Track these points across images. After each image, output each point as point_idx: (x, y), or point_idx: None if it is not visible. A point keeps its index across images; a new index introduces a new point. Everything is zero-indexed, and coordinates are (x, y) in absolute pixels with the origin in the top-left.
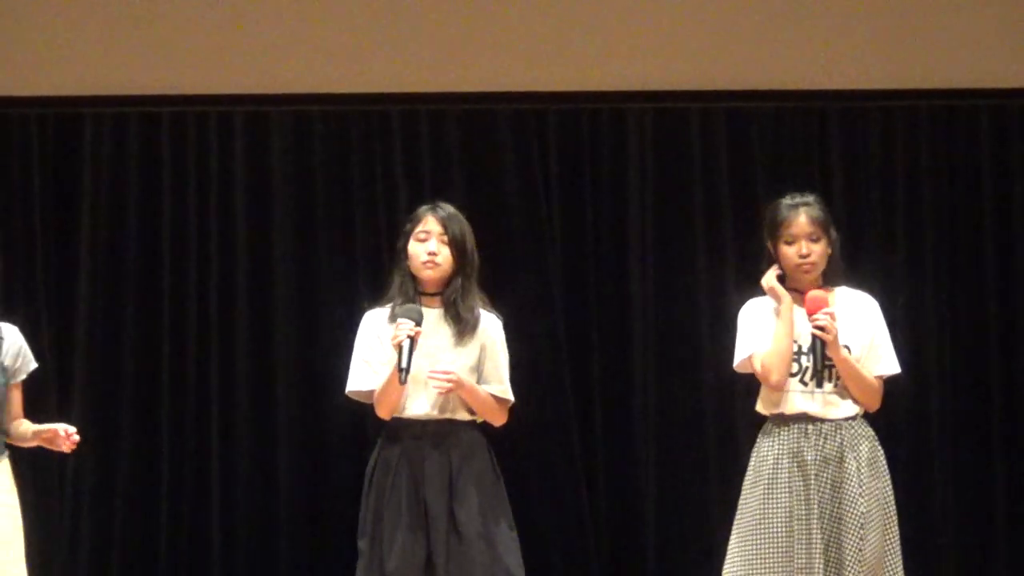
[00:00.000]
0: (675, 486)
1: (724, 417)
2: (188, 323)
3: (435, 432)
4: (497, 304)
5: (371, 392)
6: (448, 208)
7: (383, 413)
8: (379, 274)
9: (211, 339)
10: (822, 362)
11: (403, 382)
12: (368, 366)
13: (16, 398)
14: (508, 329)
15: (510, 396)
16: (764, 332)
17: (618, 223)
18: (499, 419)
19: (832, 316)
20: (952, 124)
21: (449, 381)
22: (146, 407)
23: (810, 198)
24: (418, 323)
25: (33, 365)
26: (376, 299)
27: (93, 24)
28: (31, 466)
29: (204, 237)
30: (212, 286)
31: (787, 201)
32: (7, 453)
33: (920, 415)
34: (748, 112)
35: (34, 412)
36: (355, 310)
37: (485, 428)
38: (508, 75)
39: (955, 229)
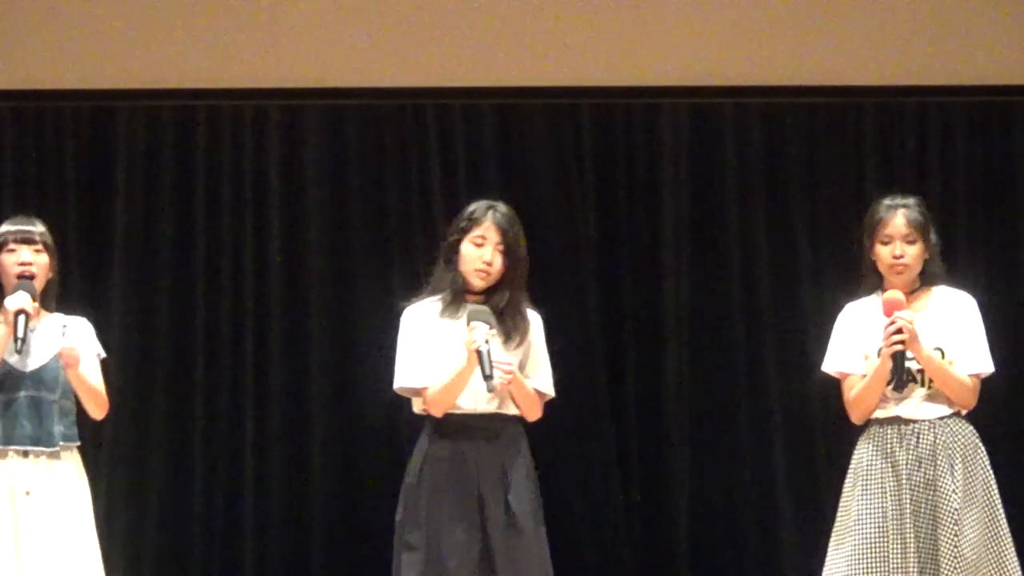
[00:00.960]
0: (708, 479)
1: (757, 410)
2: (222, 315)
3: (486, 427)
4: (533, 292)
5: (422, 389)
6: (505, 211)
7: (438, 411)
8: (412, 267)
9: (245, 330)
10: (902, 369)
11: (490, 389)
12: (418, 362)
13: (79, 380)
14: (545, 326)
15: (552, 391)
16: (857, 346)
17: (652, 217)
18: (537, 413)
19: (908, 320)
20: (987, 120)
21: (508, 373)
22: (180, 400)
23: (911, 200)
24: (492, 325)
25: (99, 351)
26: (412, 293)
27: (128, 18)
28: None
29: (238, 230)
30: (246, 279)
31: (887, 201)
32: (78, 446)
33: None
34: (781, 107)
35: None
36: (389, 303)
37: (523, 422)
38: (542, 70)
39: (989, 223)
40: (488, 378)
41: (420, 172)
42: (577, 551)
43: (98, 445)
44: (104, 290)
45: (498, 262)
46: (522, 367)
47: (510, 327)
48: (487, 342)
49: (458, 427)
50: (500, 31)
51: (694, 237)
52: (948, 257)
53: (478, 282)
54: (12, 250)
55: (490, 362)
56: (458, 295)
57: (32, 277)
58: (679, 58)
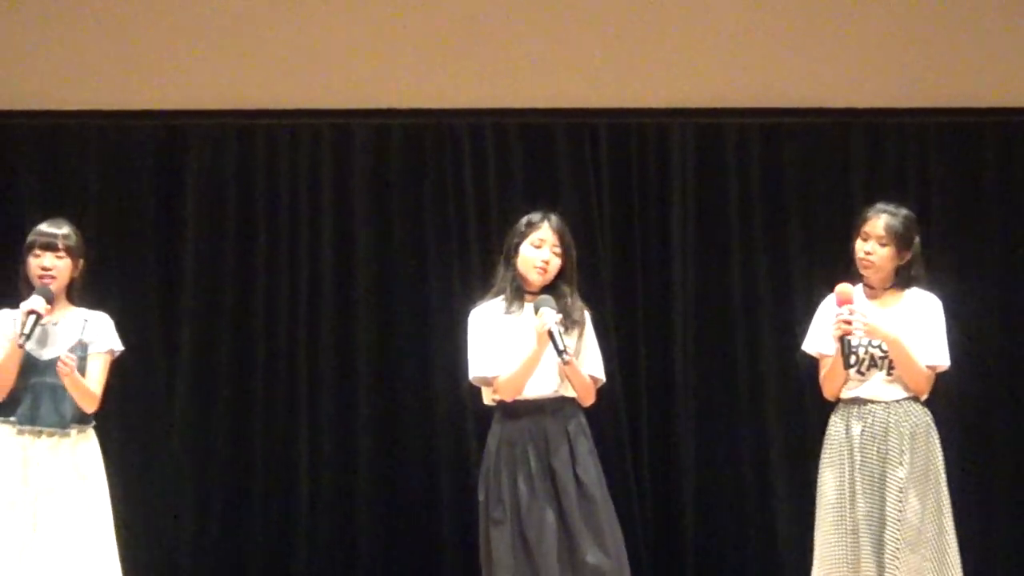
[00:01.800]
0: (710, 457)
1: (754, 395)
2: (280, 320)
3: (552, 408)
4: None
5: (493, 378)
6: (559, 219)
7: (509, 396)
8: (447, 272)
9: (299, 334)
10: (848, 352)
11: (565, 363)
12: (489, 355)
13: (94, 369)
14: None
15: (603, 376)
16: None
17: (661, 225)
18: (592, 397)
19: (850, 317)
20: (960, 138)
21: (571, 356)
22: (242, 397)
23: (899, 211)
24: (557, 310)
25: (112, 347)
26: (448, 296)
27: (194, 42)
28: (142, 447)
29: (294, 240)
30: (301, 285)
31: (879, 205)
32: (93, 429)
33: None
34: (778, 126)
35: (143, 400)
36: (427, 305)
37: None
38: (565, 92)
39: (961, 231)
40: (562, 352)
41: (455, 185)
42: None
43: (169, 426)
44: (178, 280)
45: (555, 261)
46: (577, 355)
47: (571, 320)
48: (559, 325)
49: (526, 411)
50: (527, 57)
51: (699, 242)
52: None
53: (536, 278)
54: (37, 255)
55: (562, 339)
56: (519, 293)
57: (53, 280)
58: (687, 82)
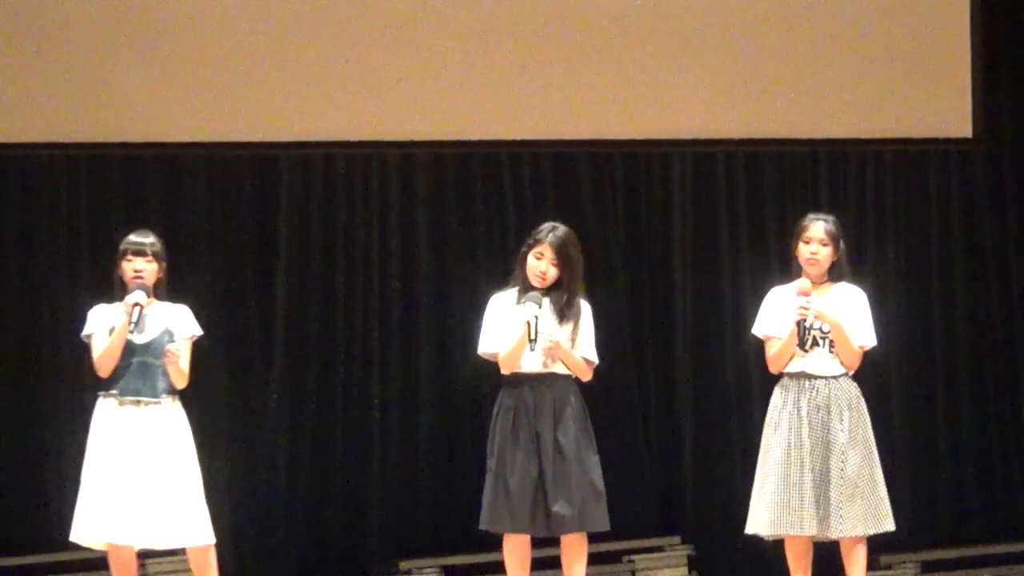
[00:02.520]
0: (707, 423)
1: (742, 374)
2: (356, 321)
3: (543, 382)
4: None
5: (496, 353)
6: (562, 233)
7: (506, 370)
8: (494, 276)
9: (372, 332)
10: (804, 334)
11: (531, 350)
12: (494, 335)
13: (182, 352)
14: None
15: (595, 358)
16: (778, 316)
17: (665, 236)
18: (587, 375)
19: (808, 304)
20: (909, 164)
21: (551, 342)
22: (327, 383)
23: (829, 216)
24: (539, 305)
25: (194, 332)
26: (499, 287)
27: (287, 80)
28: (244, 418)
29: (368, 252)
30: (374, 290)
31: (811, 215)
32: (179, 400)
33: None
34: (759, 154)
35: (245, 390)
36: (478, 299)
37: (577, 381)
38: (586, 126)
39: (908, 242)
40: (532, 340)
41: (499, 204)
42: (611, 469)
43: (265, 405)
44: (271, 297)
45: (551, 272)
46: (574, 341)
47: (565, 313)
48: (536, 317)
49: (522, 382)
50: (557, 97)
51: (696, 251)
52: (879, 267)
53: (537, 283)
54: (130, 260)
55: (535, 331)
56: (526, 289)
57: (143, 280)
58: (684, 119)
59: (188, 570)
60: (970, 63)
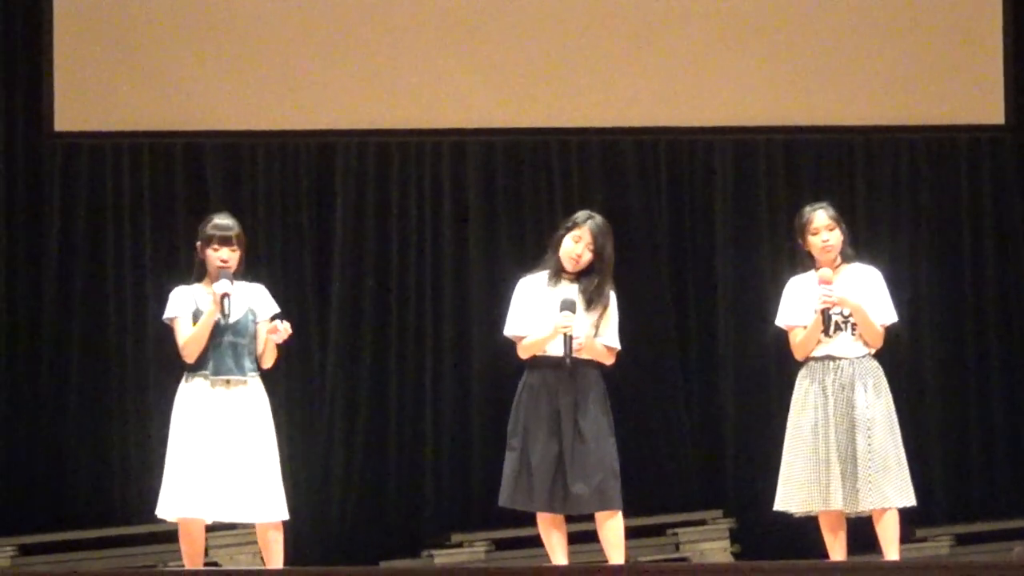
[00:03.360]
0: (748, 400)
1: (782, 354)
2: (409, 302)
3: (573, 363)
4: (622, 281)
5: (521, 337)
6: (600, 221)
7: (525, 355)
8: (543, 257)
9: (425, 311)
10: (829, 321)
11: (564, 366)
12: (522, 318)
13: (264, 330)
14: (634, 299)
15: (617, 345)
16: (799, 305)
17: (708, 220)
18: (608, 361)
19: (831, 292)
20: (939, 151)
21: (579, 346)
22: (382, 363)
23: (824, 203)
24: (574, 312)
25: (274, 311)
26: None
27: (344, 69)
28: (302, 399)
29: (421, 235)
30: (426, 271)
31: (808, 208)
32: (259, 376)
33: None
34: (796, 142)
35: (302, 371)
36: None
37: (600, 366)
38: (633, 115)
39: (944, 227)
40: (567, 355)
41: (547, 190)
42: (655, 445)
43: (323, 380)
44: (327, 278)
45: (586, 256)
46: (597, 327)
47: (594, 300)
48: (570, 336)
49: (546, 365)
50: (604, 87)
51: (737, 236)
52: (912, 250)
53: (570, 267)
54: (216, 248)
55: (571, 347)
56: (558, 272)
57: (230, 268)
58: (725, 107)
59: (246, 543)
60: (1002, 51)
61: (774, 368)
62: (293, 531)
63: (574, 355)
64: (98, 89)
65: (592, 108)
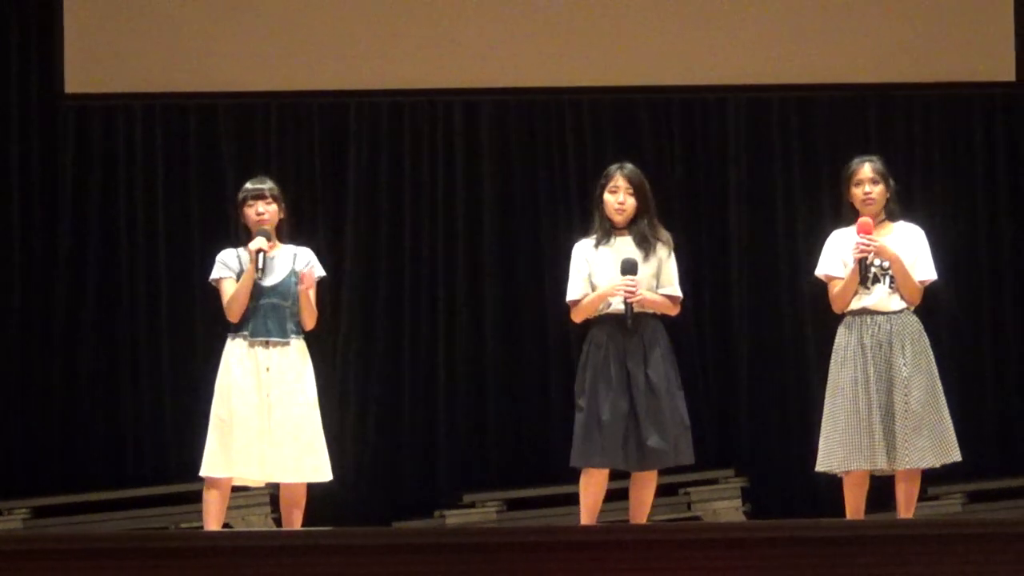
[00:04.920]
0: (761, 360)
1: (796, 313)
2: (423, 262)
3: (632, 323)
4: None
5: (576, 301)
6: (631, 167)
7: (579, 318)
8: (555, 220)
9: (437, 270)
10: (866, 270)
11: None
12: (578, 282)
13: (307, 298)
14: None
15: (679, 293)
16: (839, 257)
17: (722, 178)
18: (673, 311)
19: (869, 241)
20: (953, 108)
21: (636, 301)
22: (395, 324)
23: (874, 157)
24: (634, 276)
25: (319, 274)
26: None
27: (357, 29)
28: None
29: (433, 194)
30: (439, 231)
31: (857, 159)
32: (303, 337)
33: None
34: (811, 99)
35: (316, 332)
36: (539, 239)
37: (664, 318)
38: (646, 73)
39: (958, 183)
40: (628, 317)
41: (559, 148)
42: None
43: (335, 344)
44: (341, 231)
45: (630, 202)
46: (658, 276)
47: (649, 243)
48: (629, 305)
49: (611, 321)
50: (617, 44)
51: (751, 195)
52: (926, 207)
53: (618, 218)
54: (251, 205)
55: (631, 309)
56: (607, 231)
57: (267, 222)
58: (738, 65)
59: (256, 504)
60: (1013, 6)
61: (788, 327)
62: (307, 492)
63: (636, 312)
64: (110, 51)
65: (605, 67)
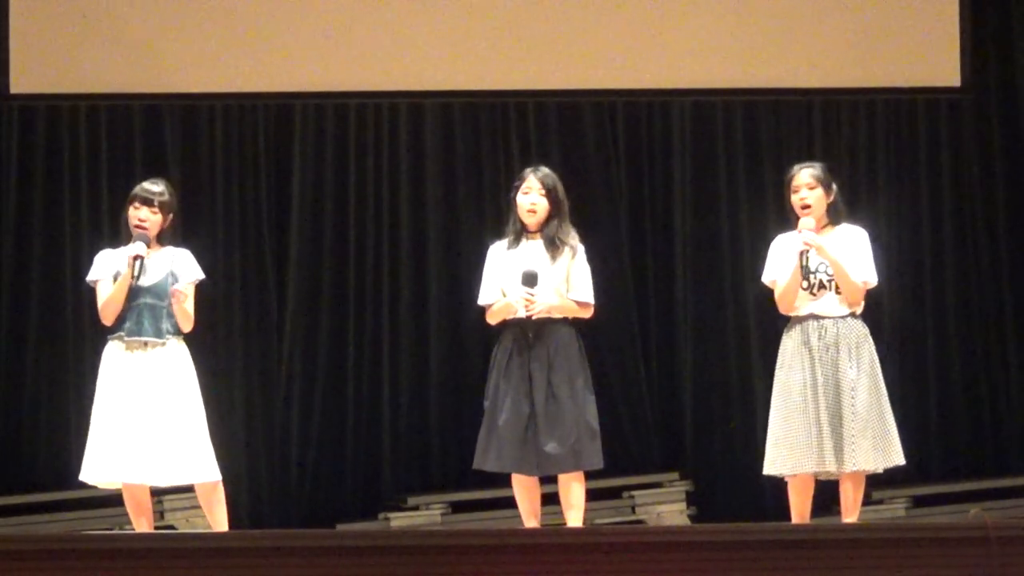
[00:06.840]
0: (706, 363)
1: (740, 316)
2: (367, 264)
3: (537, 328)
4: (582, 238)
5: (488, 305)
6: (545, 170)
7: (493, 321)
8: (500, 220)
9: (382, 272)
10: (806, 269)
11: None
12: (489, 286)
13: (181, 308)
14: (592, 261)
15: (590, 298)
16: (783, 262)
17: (666, 182)
18: (585, 314)
19: (812, 238)
20: (898, 112)
21: (541, 308)
22: (340, 326)
23: (814, 163)
24: (535, 284)
25: (197, 276)
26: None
27: (302, 32)
28: (260, 359)
29: (378, 196)
30: (384, 231)
31: (797, 165)
32: (181, 339)
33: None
34: (755, 103)
35: (259, 333)
36: (483, 244)
37: (575, 323)
38: (590, 77)
39: (902, 188)
40: (526, 329)
41: (504, 151)
42: (613, 408)
43: (280, 341)
44: (285, 232)
45: (542, 204)
46: (568, 281)
47: (557, 246)
48: (530, 307)
49: (521, 325)
50: (562, 49)
51: (695, 196)
52: (870, 212)
53: (529, 220)
54: (137, 207)
55: (532, 324)
56: (518, 233)
57: (146, 230)
58: (683, 69)
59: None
60: (958, 13)
61: (733, 330)
62: (250, 493)
63: (543, 318)
64: (55, 51)
65: (550, 70)
